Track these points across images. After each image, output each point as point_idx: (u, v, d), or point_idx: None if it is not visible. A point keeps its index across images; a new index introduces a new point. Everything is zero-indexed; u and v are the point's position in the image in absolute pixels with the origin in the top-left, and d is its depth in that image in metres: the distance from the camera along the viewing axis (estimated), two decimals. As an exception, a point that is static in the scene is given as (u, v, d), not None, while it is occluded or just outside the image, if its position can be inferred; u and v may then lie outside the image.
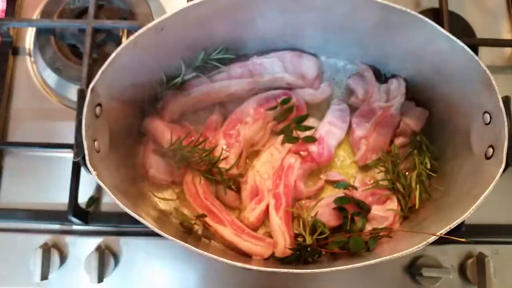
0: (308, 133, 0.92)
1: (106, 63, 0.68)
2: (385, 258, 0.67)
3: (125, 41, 0.69)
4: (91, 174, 0.65)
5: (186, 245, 0.66)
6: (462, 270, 0.90)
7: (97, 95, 0.70)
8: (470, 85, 0.77)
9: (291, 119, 0.91)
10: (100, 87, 0.70)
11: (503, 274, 0.90)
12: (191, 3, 0.71)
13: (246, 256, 0.84)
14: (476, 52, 1.03)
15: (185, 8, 0.71)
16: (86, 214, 0.91)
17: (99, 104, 0.71)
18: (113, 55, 0.68)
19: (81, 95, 0.68)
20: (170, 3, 1.07)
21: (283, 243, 0.83)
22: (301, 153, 0.91)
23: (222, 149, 0.88)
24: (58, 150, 0.95)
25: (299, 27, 0.88)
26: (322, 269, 0.68)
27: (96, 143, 0.70)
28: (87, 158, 0.65)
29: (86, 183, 0.90)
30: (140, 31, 0.69)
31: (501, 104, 0.71)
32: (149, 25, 0.69)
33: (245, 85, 0.92)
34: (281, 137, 0.92)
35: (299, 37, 0.91)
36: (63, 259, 0.89)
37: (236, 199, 0.90)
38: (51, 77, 1.02)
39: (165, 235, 0.66)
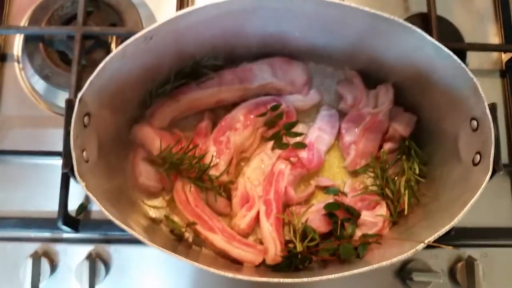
0: (298, 139, 0.92)
1: (95, 73, 0.68)
2: (374, 266, 0.67)
3: (113, 51, 0.69)
4: (80, 184, 0.65)
5: (175, 255, 0.66)
6: (452, 273, 0.91)
7: (85, 104, 0.69)
8: (458, 92, 0.77)
9: (281, 125, 0.91)
10: (89, 97, 0.70)
11: (492, 277, 0.91)
12: (180, 12, 0.71)
13: (237, 263, 0.84)
14: (464, 56, 1.04)
15: (174, 18, 0.71)
16: (76, 222, 0.90)
17: (88, 114, 0.71)
18: (101, 64, 0.68)
19: (69, 105, 0.67)
20: (159, 9, 1.07)
21: (273, 249, 0.83)
22: (291, 159, 0.91)
23: (212, 156, 0.88)
24: (47, 158, 0.94)
25: (288, 34, 0.88)
26: (313, 278, 0.68)
27: (84, 153, 0.70)
28: (75, 169, 0.65)
29: (76, 191, 0.89)
30: (129, 40, 0.69)
31: (488, 111, 0.71)
32: (138, 34, 0.69)
33: (235, 92, 0.92)
34: (271, 143, 0.92)
35: (289, 44, 0.91)
36: (53, 267, 0.88)
37: (227, 206, 0.90)
38: (39, 84, 1.01)
39: (153, 245, 0.66)
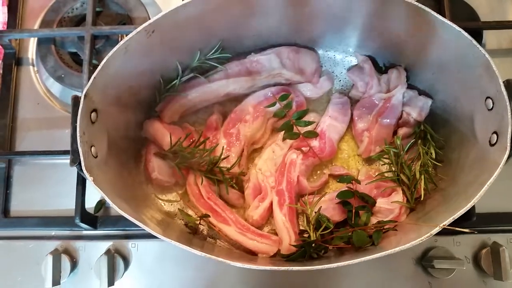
0: (309, 128, 0.91)
1: (98, 69, 0.69)
2: (388, 251, 0.65)
3: (115, 47, 0.69)
4: (88, 179, 0.66)
5: (189, 247, 0.66)
6: (476, 260, 0.88)
7: (91, 101, 0.70)
8: (471, 71, 0.74)
9: (291, 115, 0.90)
10: (94, 93, 0.70)
11: (520, 263, 0.87)
12: (179, 3, 0.71)
13: (252, 254, 0.84)
14: (480, 36, 1.00)
15: (173, 10, 0.71)
16: (94, 219, 0.92)
17: (95, 110, 0.72)
18: (104, 61, 0.69)
19: (75, 102, 0.68)
20: (167, 6, 1.07)
21: (288, 240, 0.82)
22: (303, 148, 0.90)
23: (223, 148, 0.88)
24: (64, 157, 0.95)
25: (296, 21, 0.87)
26: (326, 265, 0.67)
27: (93, 148, 0.71)
28: (82, 164, 0.66)
29: (93, 189, 0.91)
30: (130, 35, 0.70)
31: (503, 89, 0.68)
32: (139, 28, 0.70)
33: (243, 83, 0.91)
34: (282, 133, 0.91)
35: (296, 32, 0.90)
36: (73, 264, 0.90)
37: (240, 197, 0.89)
38: (54, 86, 1.03)
39: (167, 239, 0.66)
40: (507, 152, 0.67)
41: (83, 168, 0.66)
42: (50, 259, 0.87)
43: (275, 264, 0.77)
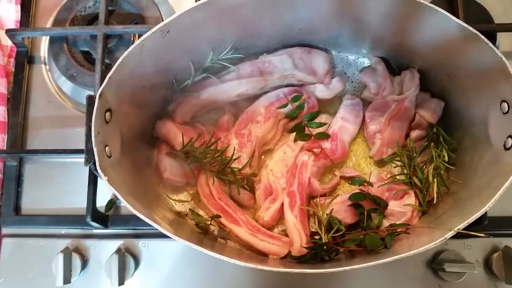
0: (321, 129, 0.90)
1: (113, 69, 0.69)
2: (401, 255, 0.65)
3: (131, 46, 0.69)
4: (102, 179, 0.66)
5: (200, 247, 0.66)
6: (487, 264, 0.87)
7: (106, 100, 0.70)
8: (486, 74, 0.74)
9: (303, 116, 0.90)
10: (109, 93, 0.70)
11: (531, 267, 0.87)
12: (194, 4, 0.71)
13: (262, 255, 0.84)
14: (494, 38, 1.00)
15: (189, 10, 0.71)
16: (105, 217, 0.92)
17: (109, 110, 0.72)
18: (119, 60, 0.69)
19: (90, 101, 0.69)
20: (180, 5, 1.07)
21: (299, 241, 0.82)
22: (315, 150, 0.90)
23: (234, 149, 0.88)
24: (76, 156, 0.96)
25: (308, 22, 0.87)
26: (338, 268, 0.67)
27: (107, 148, 0.71)
28: (97, 163, 0.66)
29: (104, 188, 0.90)
30: (145, 35, 0.70)
31: (519, 93, 0.68)
32: (154, 29, 0.70)
33: (255, 84, 0.91)
34: (293, 134, 0.91)
35: (309, 32, 0.90)
36: (84, 262, 0.91)
37: (251, 198, 0.89)
38: (66, 84, 1.03)
39: (179, 238, 0.66)
40: (523, 157, 0.66)
41: (98, 167, 0.66)
42: (61, 257, 0.87)
43: (286, 266, 0.77)
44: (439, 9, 0.71)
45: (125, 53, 0.69)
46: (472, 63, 0.76)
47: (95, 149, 0.66)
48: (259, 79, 0.91)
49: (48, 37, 1.05)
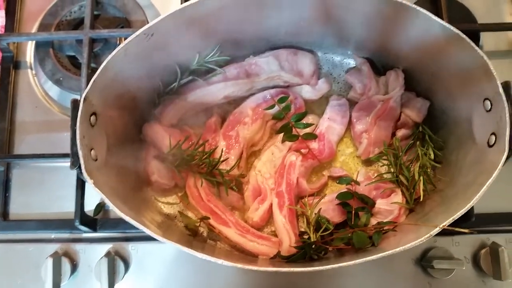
0: (308, 130, 0.91)
1: (97, 72, 0.69)
2: (388, 252, 0.66)
3: (115, 50, 0.69)
4: (88, 182, 0.66)
5: (189, 249, 0.66)
6: (475, 261, 0.88)
7: (90, 104, 0.70)
8: (469, 72, 0.75)
9: (290, 117, 0.90)
10: (94, 96, 0.70)
11: (519, 263, 0.87)
12: (178, 7, 0.71)
13: (252, 256, 0.84)
14: (478, 38, 1.01)
15: (172, 13, 0.71)
16: (94, 221, 0.92)
17: (94, 113, 0.72)
18: (103, 64, 0.69)
19: (75, 105, 0.68)
20: (166, 9, 1.08)
21: (288, 241, 0.82)
22: (302, 150, 0.90)
23: (222, 150, 0.88)
24: (63, 160, 0.95)
25: (294, 24, 0.87)
26: (325, 266, 0.67)
27: (92, 151, 0.71)
28: (82, 167, 0.66)
29: (93, 191, 0.89)
30: (129, 39, 0.70)
31: (501, 90, 0.69)
32: (138, 32, 0.70)
33: (242, 86, 0.92)
34: (281, 135, 0.91)
35: (294, 35, 0.91)
36: (74, 267, 0.90)
37: (239, 199, 0.90)
38: (52, 89, 1.03)
39: (167, 240, 0.66)
40: (506, 154, 0.67)
41: (83, 171, 0.66)
42: (50, 262, 0.87)
43: (276, 266, 0.77)
44: (422, 9, 0.72)
45: (109, 57, 0.69)
46: (456, 62, 0.77)
47: (80, 153, 0.66)
48: (246, 81, 0.92)
49: (33, 42, 1.05)
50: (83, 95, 0.68)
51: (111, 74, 0.72)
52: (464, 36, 0.71)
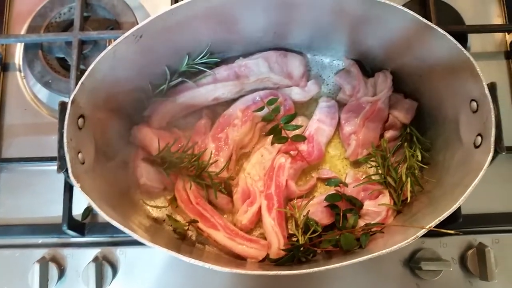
0: (297, 132, 0.91)
1: (85, 74, 0.68)
2: (375, 254, 0.66)
3: (103, 52, 0.69)
4: (75, 186, 0.65)
5: (177, 253, 0.65)
6: (462, 261, 0.89)
7: (78, 106, 0.70)
8: (456, 74, 0.76)
9: (279, 119, 0.90)
10: (82, 99, 0.70)
11: (505, 263, 0.88)
12: (166, 8, 0.71)
13: (241, 259, 0.84)
14: (465, 39, 1.02)
15: (161, 15, 0.71)
16: (81, 226, 0.91)
17: (82, 116, 0.72)
18: (91, 66, 0.68)
19: (62, 108, 0.68)
20: (156, 10, 1.07)
21: (277, 244, 0.82)
22: (291, 152, 0.90)
23: (211, 153, 0.88)
24: (52, 164, 0.95)
25: (283, 26, 0.87)
26: (313, 269, 0.67)
27: (80, 155, 0.70)
28: (69, 170, 0.66)
29: (81, 195, 0.90)
30: (118, 40, 0.69)
31: (487, 91, 0.70)
32: (126, 34, 0.70)
33: (232, 88, 0.92)
34: (270, 137, 0.91)
35: (284, 36, 0.91)
36: (61, 272, 0.89)
37: (229, 202, 0.89)
38: (41, 91, 1.03)
39: (155, 245, 0.65)
40: (491, 154, 0.68)
41: (70, 174, 0.66)
42: (37, 267, 0.86)
43: (264, 269, 0.78)
44: (408, 10, 0.73)
45: (97, 59, 0.69)
46: (443, 64, 0.78)
47: (67, 156, 0.66)
48: (235, 82, 0.92)
49: (22, 44, 1.04)
50: (71, 98, 0.68)
51: (100, 76, 0.71)
52: (451, 38, 0.72)
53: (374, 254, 0.65)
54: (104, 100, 0.77)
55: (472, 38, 1.04)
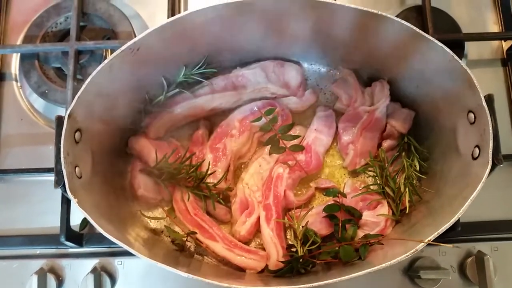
0: (295, 142, 0.91)
1: (82, 88, 0.68)
2: (375, 267, 0.66)
3: (99, 65, 0.69)
4: (72, 201, 0.65)
5: (174, 269, 0.65)
6: (462, 270, 0.89)
7: (75, 121, 0.70)
8: (453, 85, 0.76)
9: (277, 129, 0.90)
10: (78, 113, 0.70)
11: (505, 271, 0.88)
12: (164, 22, 0.71)
13: (239, 270, 0.84)
14: (462, 47, 1.02)
15: (158, 28, 0.71)
16: (79, 236, 0.91)
17: (79, 129, 0.71)
18: (87, 80, 0.68)
19: (59, 122, 0.68)
20: (152, 21, 1.07)
21: (275, 255, 0.82)
22: (289, 162, 0.90)
23: (209, 163, 0.88)
24: (48, 175, 0.95)
25: (279, 37, 0.87)
26: (312, 284, 0.67)
27: (77, 169, 0.70)
28: (67, 186, 0.65)
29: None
30: (114, 54, 0.69)
31: (484, 103, 0.70)
32: (123, 47, 0.69)
33: (229, 98, 0.92)
34: (268, 147, 0.91)
35: (281, 46, 0.91)
36: (59, 283, 0.89)
37: (227, 213, 0.89)
38: (38, 101, 1.02)
39: (151, 260, 0.65)
40: (489, 167, 0.68)
41: (68, 190, 0.65)
42: (35, 278, 0.85)
43: (263, 281, 0.78)
44: (403, 21, 0.73)
45: (93, 73, 0.69)
46: (440, 75, 0.78)
47: (64, 171, 0.66)
48: (233, 93, 0.92)
49: (19, 54, 1.04)
50: (67, 112, 0.68)
51: (96, 89, 0.71)
52: (448, 50, 0.72)
53: (373, 268, 0.65)
54: (100, 112, 0.77)
55: (469, 46, 1.04)
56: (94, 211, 0.68)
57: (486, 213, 0.93)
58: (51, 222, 0.92)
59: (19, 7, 1.09)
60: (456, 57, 0.71)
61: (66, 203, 0.88)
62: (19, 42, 1.05)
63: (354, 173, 0.93)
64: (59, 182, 0.66)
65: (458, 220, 0.82)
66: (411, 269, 0.88)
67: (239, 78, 0.91)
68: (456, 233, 0.84)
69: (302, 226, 0.83)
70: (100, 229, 0.64)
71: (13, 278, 0.90)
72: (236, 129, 0.90)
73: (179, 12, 1.03)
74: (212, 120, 0.94)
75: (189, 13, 0.72)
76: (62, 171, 0.66)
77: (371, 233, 0.82)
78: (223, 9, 0.74)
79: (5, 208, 0.96)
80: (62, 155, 0.66)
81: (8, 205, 0.96)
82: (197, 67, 0.88)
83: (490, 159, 0.68)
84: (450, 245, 0.69)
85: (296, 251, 0.81)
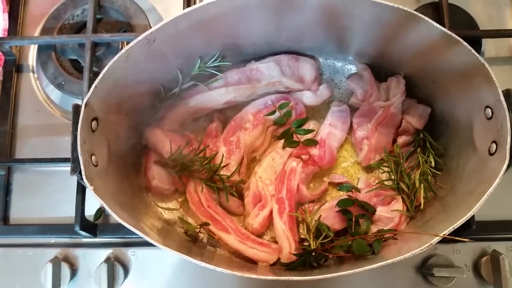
0: (309, 136, 0.91)
1: (99, 78, 0.69)
2: (389, 260, 0.65)
3: (117, 55, 0.69)
4: (88, 188, 0.66)
5: (188, 257, 0.65)
6: (476, 268, 0.88)
7: (92, 109, 0.70)
8: (470, 80, 0.75)
9: (290, 123, 0.90)
10: (95, 102, 0.70)
11: (520, 271, 0.87)
12: (180, 13, 0.71)
13: (252, 262, 0.84)
14: (479, 44, 1.01)
15: (174, 19, 0.71)
16: (94, 226, 0.92)
17: (95, 118, 0.72)
18: (104, 69, 0.69)
19: (76, 110, 0.69)
20: (168, 13, 1.08)
21: (288, 248, 0.82)
22: (303, 156, 0.90)
23: (223, 156, 0.88)
24: (64, 165, 0.96)
25: (294, 30, 0.87)
26: (325, 275, 0.67)
27: (93, 157, 0.71)
28: (83, 173, 0.66)
29: (93, 196, 0.91)
30: (131, 44, 0.70)
31: (502, 98, 0.69)
32: (139, 37, 0.70)
33: (243, 91, 0.92)
34: (282, 141, 0.91)
35: (295, 40, 0.91)
36: (73, 272, 0.90)
37: (240, 205, 0.89)
38: (54, 93, 1.03)
39: (166, 248, 0.66)
40: (507, 162, 0.67)
41: (84, 177, 0.66)
42: (49, 267, 0.87)
43: (275, 273, 0.77)
44: (422, 15, 0.72)
45: (110, 63, 0.69)
46: (457, 69, 0.77)
47: (81, 159, 0.66)
48: (247, 86, 0.92)
49: (36, 45, 1.05)
50: (84, 101, 0.68)
51: (113, 79, 0.72)
52: (465, 43, 0.71)
53: (387, 261, 0.64)
54: (117, 103, 0.78)
55: (486, 43, 1.03)
56: (109, 199, 0.68)
57: (502, 212, 0.91)
58: (66, 211, 0.93)
59: (37, 0, 1.10)
60: (474, 51, 0.70)
61: (81, 193, 0.89)
62: (36, 34, 1.07)
63: (368, 169, 0.93)
64: (76, 170, 0.67)
65: (473, 218, 0.82)
66: (424, 266, 0.87)
67: (253, 71, 0.91)
68: (471, 232, 0.83)
69: (315, 220, 0.83)
70: (115, 216, 0.65)
71: (28, 266, 0.91)
72: (250, 122, 0.91)
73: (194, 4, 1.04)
74: (226, 113, 0.94)
75: (205, 4, 0.72)
76: (78, 158, 0.66)
77: (385, 228, 0.82)
78: (238, 0, 0.74)
79: (21, 197, 0.97)
80: (78, 143, 0.66)
81: (24, 194, 0.97)
82: (212, 60, 0.88)
83: (508, 154, 0.67)
84: (466, 239, 0.68)
85: (309, 245, 0.81)
